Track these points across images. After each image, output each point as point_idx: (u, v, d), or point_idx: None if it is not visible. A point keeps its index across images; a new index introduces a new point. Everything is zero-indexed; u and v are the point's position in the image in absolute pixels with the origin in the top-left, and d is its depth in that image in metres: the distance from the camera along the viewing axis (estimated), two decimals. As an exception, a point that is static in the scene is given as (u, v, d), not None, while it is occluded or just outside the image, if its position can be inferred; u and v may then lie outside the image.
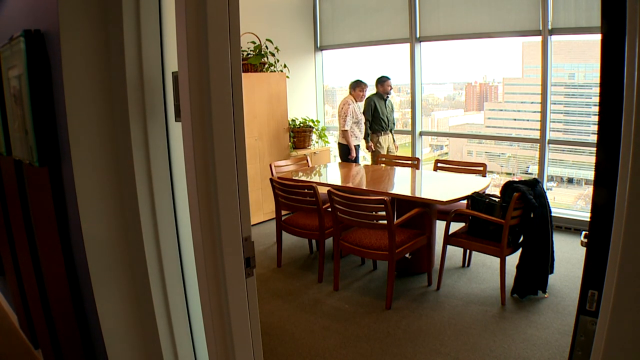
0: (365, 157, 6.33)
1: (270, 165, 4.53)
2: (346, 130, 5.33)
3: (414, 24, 5.61)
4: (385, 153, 5.45)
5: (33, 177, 1.90)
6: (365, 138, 5.52)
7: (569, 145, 5.11)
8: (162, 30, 1.49)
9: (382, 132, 5.46)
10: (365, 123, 5.45)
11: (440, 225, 3.89)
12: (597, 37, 2.43)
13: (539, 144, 5.02)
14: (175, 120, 1.51)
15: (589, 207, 0.97)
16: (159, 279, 1.58)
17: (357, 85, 5.39)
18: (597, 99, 1.28)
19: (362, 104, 5.47)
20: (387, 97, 5.47)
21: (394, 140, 5.64)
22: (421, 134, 5.92)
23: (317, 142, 6.42)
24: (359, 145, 5.58)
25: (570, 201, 5.46)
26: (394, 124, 5.61)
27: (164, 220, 1.56)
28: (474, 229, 3.45)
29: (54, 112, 1.61)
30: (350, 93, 5.42)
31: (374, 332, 3.01)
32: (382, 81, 5.45)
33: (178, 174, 1.56)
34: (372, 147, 5.49)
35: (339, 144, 5.59)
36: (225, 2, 1.18)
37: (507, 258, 3.29)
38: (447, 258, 3.64)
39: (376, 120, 5.43)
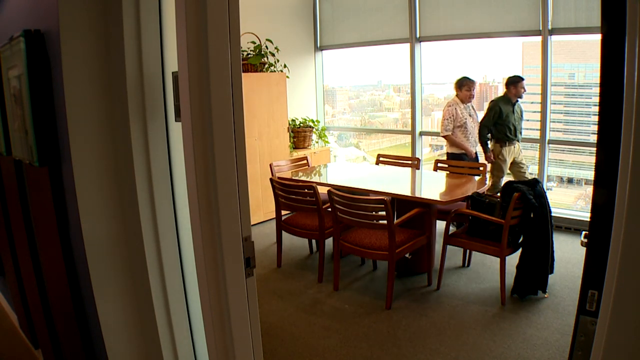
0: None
1: (270, 165, 4.53)
2: (446, 136, 4.71)
3: (414, 24, 5.61)
4: (508, 167, 4.70)
5: (33, 177, 1.90)
6: (484, 146, 4.65)
7: (569, 145, 5.12)
8: (162, 30, 1.49)
9: (507, 143, 4.59)
10: (480, 131, 4.64)
11: (440, 225, 3.89)
12: (597, 37, 2.43)
13: (539, 144, 5.02)
14: (175, 120, 1.51)
15: (589, 207, 0.97)
16: (159, 279, 1.58)
17: (463, 84, 4.65)
18: (597, 99, 1.29)
19: (469, 106, 4.75)
20: (516, 101, 4.60)
21: (521, 152, 4.78)
22: (421, 134, 5.92)
23: (317, 142, 6.42)
24: (475, 153, 4.81)
25: (570, 201, 5.47)
26: (521, 133, 4.74)
27: (164, 220, 1.56)
28: (474, 229, 3.45)
29: (54, 112, 1.61)
30: (457, 94, 4.72)
31: (374, 332, 3.01)
32: (515, 82, 4.53)
33: (178, 174, 1.56)
34: (492, 157, 4.66)
35: (447, 154, 4.85)
36: (225, 2, 1.18)
37: (507, 258, 3.29)
38: (447, 258, 3.64)
39: (500, 128, 4.56)
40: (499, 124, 4.56)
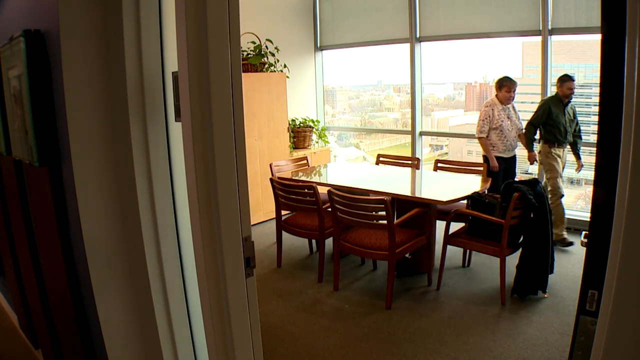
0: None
1: (270, 165, 4.53)
2: (480, 138, 4.49)
3: (414, 24, 5.61)
4: (561, 171, 4.39)
5: (33, 177, 1.90)
6: (528, 144, 4.48)
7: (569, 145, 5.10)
8: (162, 30, 1.49)
9: (557, 144, 4.31)
10: (527, 129, 4.44)
11: (440, 225, 3.89)
12: (597, 37, 2.43)
13: (539, 144, 5.01)
14: (175, 120, 1.51)
15: (589, 207, 0.97)
16: (159, 279, 1.58)
17: (503, 85, 4.40)
18: (597, 99, 1.29)
19: (509, 108, 4.50)
20: (568, 101, 4.28)
21: (578, 157, 4.45)
22: (421, 134, 5.92)
23: (317, 142, 6.42)
24: (513, 157, 4.60)
25: (570, 201, 5.46)
26: (579, 136, 4.42)
27: (164, 220, 1.56)
28: (474, 229, 3.45)
29: (54, 112, 1.61)
30: (496, 95, 4.47)
31: (374, 332, 3.01)
32: (561, 80, 4.27)
33: (178, 174, 1.56)
34: (535, 157, 4.51)
35: (483, 156, 4.61)
36: (225, 2, 1.18)
37: (507, 258, 3.29)
38: (447, 258, 3.64)
39: (549, 129, 4.30)
40: (549, 124, 4.30)
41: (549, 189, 4.30)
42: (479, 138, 4.52)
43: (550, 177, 4.34)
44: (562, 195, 4.29)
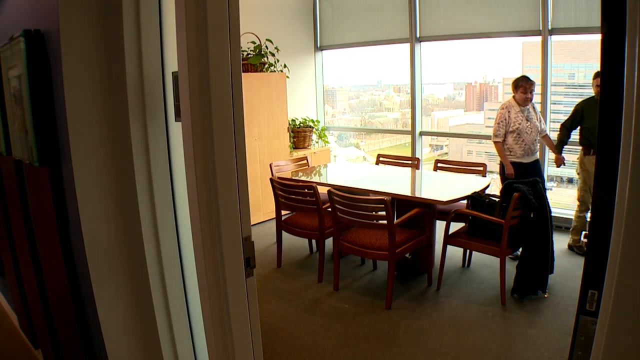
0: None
1: (270, 165, 4.53)
2: (496, 142, 4.16)
3: (414, 24, 5.61)
4: (592, 180, 4.28)
5: (33, 177, 1.90)
6: (558, 146, 4.22)
7: (569, 145, 5.10)
8: (162, 30, 1.49)
9: (592, 151, 4.01)
10: (560, 131, 4.19)
11: (440, 225, 3.89)
12: (597, 37, 2.43)
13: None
14: (175, 120, 1.51)
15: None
16: (159, 279, 1.58)
17: (518, 85, 4.06)
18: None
19: (528, 109, 4.13)
20: None
21: None
22: (421, 134, 5.92)
23: (317, 142, 6.42)
24: (536, 162, 4.21)
25: (571, 201, 5.46)
26: None
27: (164, 220, 1.56)
28: (474, 229, 3.45)
29: (54, 112, 1.61)
30: (513, 96, 4.13)
31: (374, 332, 3.01)
32: (593, 78, 4.06)
33: (178, 174, 1.56)
34: (562, 161, 4.25)
35: (499, 163, 4.31)
36: (225, 2, 1.18)
37: (507, 258, 3.29)
38: (447, 258, 3.64)
39: (583, 133, 4.06)
40: (583, 128, 4.04)
41: (576, 195, 4.22)
42: (495, 142, 4.19)
43: (579, 188, 4.18)
44: (589, 209, 4.13)
